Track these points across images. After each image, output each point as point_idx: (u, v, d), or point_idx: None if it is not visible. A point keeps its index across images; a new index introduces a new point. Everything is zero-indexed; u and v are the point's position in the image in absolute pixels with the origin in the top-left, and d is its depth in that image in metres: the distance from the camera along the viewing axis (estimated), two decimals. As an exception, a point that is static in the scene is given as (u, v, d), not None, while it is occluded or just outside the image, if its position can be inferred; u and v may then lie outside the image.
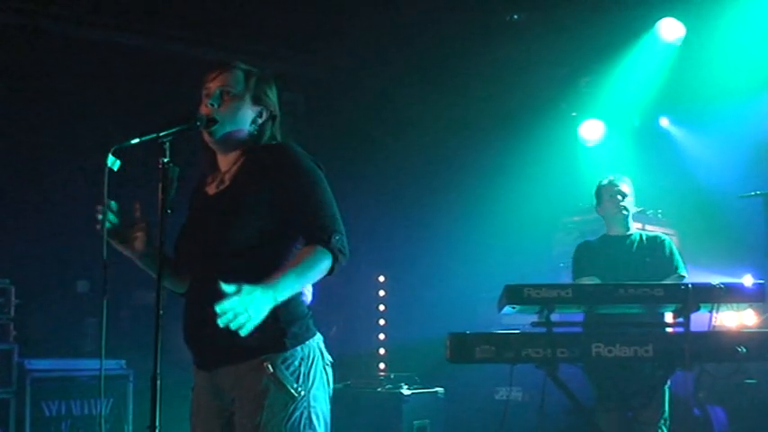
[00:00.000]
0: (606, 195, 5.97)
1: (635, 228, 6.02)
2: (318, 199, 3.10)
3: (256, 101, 3.27)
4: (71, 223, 5.69)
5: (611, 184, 5.96)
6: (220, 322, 2.77)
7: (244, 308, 2.79)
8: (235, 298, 2.77)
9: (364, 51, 8.22)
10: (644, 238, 5.92)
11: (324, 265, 3.01)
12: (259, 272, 2.96)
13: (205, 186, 3.32)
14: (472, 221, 8.51)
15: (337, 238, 3.04)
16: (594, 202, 6.09)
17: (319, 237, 3.03)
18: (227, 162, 3.27)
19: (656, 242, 5.88)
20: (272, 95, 3.32)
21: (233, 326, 2.79)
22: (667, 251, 5.83)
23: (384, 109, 8.66)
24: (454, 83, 8.70)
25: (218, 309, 2.77)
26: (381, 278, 8.93)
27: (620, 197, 5.91)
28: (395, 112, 8.69)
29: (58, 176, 7.42)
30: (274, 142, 3.26)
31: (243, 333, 2.82)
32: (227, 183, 3.22)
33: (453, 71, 8.51)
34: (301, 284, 3.00)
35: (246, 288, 2.80)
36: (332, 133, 8.18)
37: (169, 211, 3.02)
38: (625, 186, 5.95)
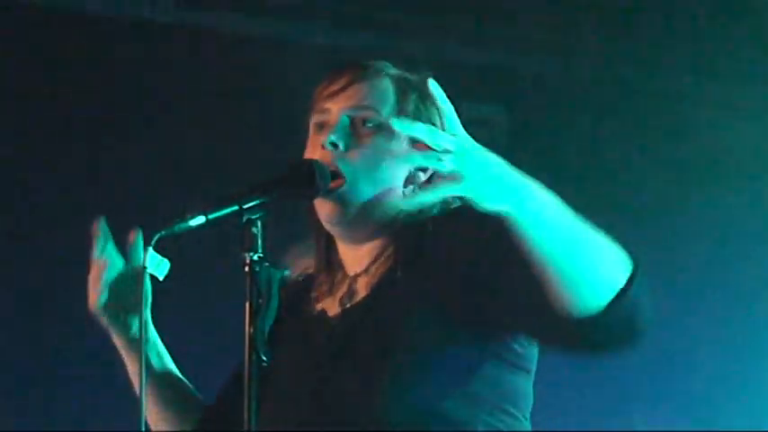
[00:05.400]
0: None
1: None
2: None
3: None
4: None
5: None
6: None
7: None
8: None
9: (610, 45, 5.63)
10: None
11: None
12: None
13: (308, 291, 1.81)
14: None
15: None
16: None
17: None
18: (358, 257, 1.77)
19: None
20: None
21: None
22: None
23: (635, 132, 5.92)
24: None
25: None
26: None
27: None
28: (654, 131, 5.87)
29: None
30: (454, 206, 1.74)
31: None
32: (362, 294, 1.73)
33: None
34: None
35: None
36: (549, 165, 5.65)
37: (264, 360, 1.56)
38: None
